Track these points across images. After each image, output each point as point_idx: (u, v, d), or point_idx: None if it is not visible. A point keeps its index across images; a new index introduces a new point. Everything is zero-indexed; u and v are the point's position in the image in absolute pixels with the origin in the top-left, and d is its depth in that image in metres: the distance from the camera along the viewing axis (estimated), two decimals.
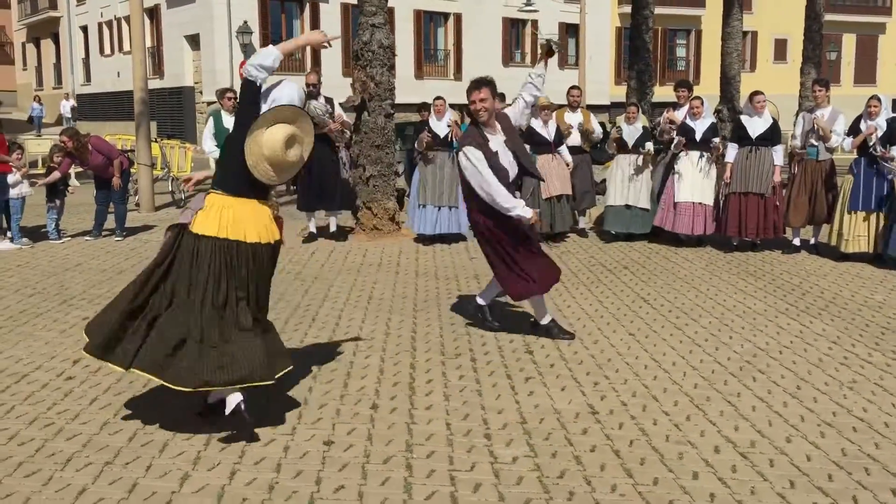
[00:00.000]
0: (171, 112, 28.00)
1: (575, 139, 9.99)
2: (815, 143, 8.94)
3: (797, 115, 13.83)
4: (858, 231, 8.41)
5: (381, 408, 4.44)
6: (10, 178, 9.34)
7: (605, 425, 4.22)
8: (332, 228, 9.95)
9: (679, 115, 9.64)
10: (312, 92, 9.39)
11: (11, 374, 4.96)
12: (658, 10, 19.00)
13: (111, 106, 31.45)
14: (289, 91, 4.16)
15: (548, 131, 9.62)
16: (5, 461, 3.74)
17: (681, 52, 37.59)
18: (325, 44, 4.33)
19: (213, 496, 3.41)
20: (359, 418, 4.30)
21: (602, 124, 10.93)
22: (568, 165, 9.74)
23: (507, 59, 32.29)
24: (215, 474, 3.62)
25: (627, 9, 23.95)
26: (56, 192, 9.79)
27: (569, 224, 10.01)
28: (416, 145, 9.56)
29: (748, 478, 3.63)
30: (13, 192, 9.39)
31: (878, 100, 8.49)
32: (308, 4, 27.47)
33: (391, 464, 3.74)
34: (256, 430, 4.05)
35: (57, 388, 4.72)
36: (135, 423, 4.19)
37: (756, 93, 9.15)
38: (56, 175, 9.65)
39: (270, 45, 4.26)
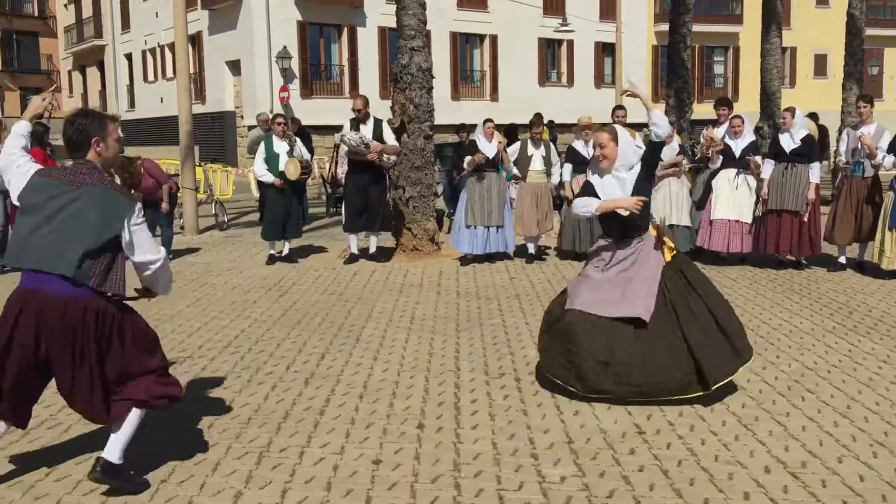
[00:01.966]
0: (213, 136, 28.50)
1: None
2: (861, 160, 8.84)
3: (840, 131, 13.69)
4: None
5: (428, 427, 4.48)
6: None
7: (652, 445, 4.21)
8: (372, 249, 10.05)
9: (719, 132, 9.60)
10: (359, 116, 9.52)
11: None
12: (695, 28, 18.95)
13: (155, 131, 32.10)
14: None
15: (589, 151, 9.64)
16: (64, 479, 3.83)
17: (718, 69, 37.36)
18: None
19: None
20: (406, 437, 4.33)
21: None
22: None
23: (543, 80, 32.38)
24: (267, 493, 3.68)
25: (663, 27, 23.92)
26: None
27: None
28: (465, 165, 9.61)
29: (800, 498, 3.59)
30: None
31: None
32: (346, 29, 27.86)
33: (439, 483, 3.77)
34: (305, 450, 4.11)
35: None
36: (187, 442, 4.27)
37: (787, 109, 9.12)
38: None
39: None
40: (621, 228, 4.89)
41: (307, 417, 4.64)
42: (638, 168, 4.96)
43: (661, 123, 5.03)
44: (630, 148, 5.01)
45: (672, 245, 4.94)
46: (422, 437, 4.33)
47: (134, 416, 3.64)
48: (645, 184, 4.93)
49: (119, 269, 3.58)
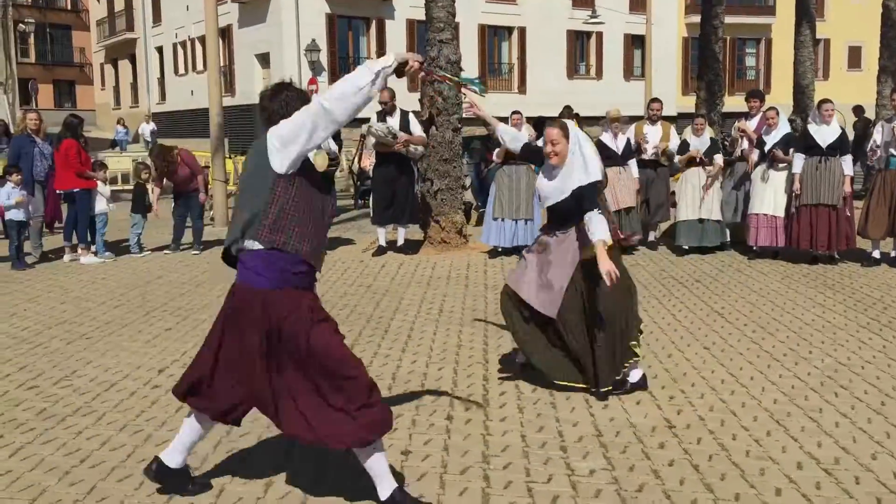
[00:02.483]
0: (243, 129, 28.69)
1: (650, 153, 9.94)
2: (895, 154, 8.70)
3: (874, 124, 13.47)
4: None
5: (456, 419, 4.49)
6: (102, 189, 9.76)
7: (682, 440, 4.18)
8: (400, 242, 10.07)
9: (751, 125, 9.50)
10: (386, 108, 9.55)
11: (101, 383, 5.17)
12: (727, 20, 18.73)
13: (185, 123, 32.39)
14: None
15: (617, 144, 9.58)
16: (99, 466, 3.90)
17: (750, 61, 36.92)
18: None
19: (298, 502, 3.50)
20: (434, 429, 4.35)
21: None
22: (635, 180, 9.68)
23: (572, 72, 32.19)
24: (298, 481, 3.71)
25: (694, 19, 23.68)
26: (141, 207, 10.17)
27: (638, 237, 9.95)
28: (494, 157, 9.61)
29: (833, 495, 3.56)
30: (98, 208, 9.78)
31: None
32: (374, 21, 27.89)
33: (468, 474, 3.78)
34: None
35: (144, 397, 4.90)
36: (218, 432, 4.31)
37: (824, 101, 8.97)
38: (157, 192, 10.13)
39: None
40: (560, 219, 4.86)
41: None
42: (585, 182, 4.68)
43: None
44: (585, 157, 4.72)
45: (611, 242, 4.62)
46: (450, 429, 4.34)
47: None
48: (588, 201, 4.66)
49: None
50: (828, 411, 4.57)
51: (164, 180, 10.10)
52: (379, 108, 9.69)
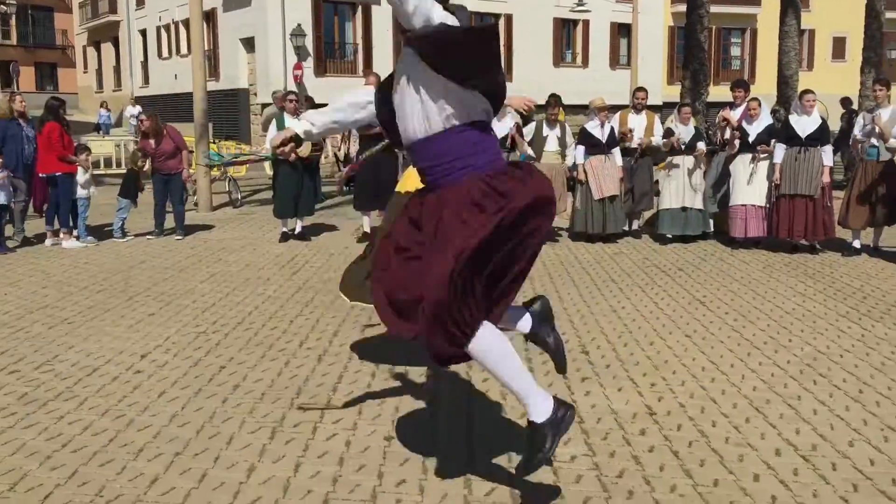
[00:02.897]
0: (227, 113, 28.50)
1: (635, 142, 9.97)
2: (876, 144, 8.77)
3: (857, 114, 13.56)
4: None
5: (441, 404, 4.51)
6: (80, 178, 9.66)
7: (663, 426, 4.22)
8: None
9: (735, 115, 9.55)
10: None
11: (83, 368, 5.15)
12: (712, 9, 18.76)
13: (169, 108, 32.09)
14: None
15: (602, 133, 9.61)
16: (81, 450, 3.89)
17: (735, 51, 37.03)
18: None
19: (280, 488, 3.51)
20: (417, 414, 4.37)
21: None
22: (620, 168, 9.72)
23: (558, 60, 32.18)
24: (280, 467, 3.72)
25: (680, 8, 23.72)
26: (129, 192, 10.09)
27: (622, 225, 9.99)
28: None
29: (810, 481, 3.61)
30: (80, 192, 9.70)
31: None
32: (360, 7, 27.73)
33: (451, 460, 3.80)
34: (318, 425, 4.17)
35: (126, 382, 4.89)
36: (201, 416, 4.32)
37: (806, 91, 9.04)
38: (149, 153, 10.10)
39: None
40: None
41: (320, 393, 4.69)
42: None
43: None
44: None
45: None
46: (435, 414, 4.36)
47: None
48: None
49: None
50: (806, 399, 4.63)
51: (148, 161, 10.05)
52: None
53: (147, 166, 10.16)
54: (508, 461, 3.78)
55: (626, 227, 10.31)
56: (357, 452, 3.88)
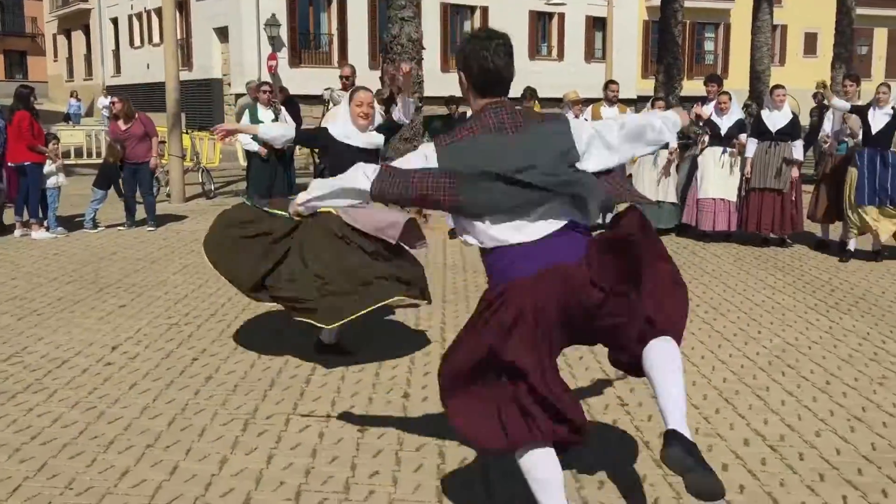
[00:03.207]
0: (200, 104, 28.24)
1: None
2: (845, 139, 8.88)
3: (827, 109, 13.71)
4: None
5: (413, 397, 4.52)
6: (46, 168, 9.52)
7: (634, 417, 4.27)
8: None
9: (708, 109, 9.62)
10: (346, 84, 9.50)
11: (53, 360, 5.09)
12: (686, 4, 18.89)
13: (141, 97, 31.68)
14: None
15: None
16: (50, 443, 3.85)
17: (709, 45, 37.25)
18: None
19: (252, 479, 3.51)
20: (391, 407, 4.37)
21: None
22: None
23: (534, 53, 32.19)
24: (253, 458, 3.71)
25: (655, 2, 23.82)
26: (104, 183, 9.97)
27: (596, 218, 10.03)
28: None
29: (778, 470, 3.66)
30: (49, 183, 9.57)
31: (888, 87, 8.50)
32: None
33: (424, 451, 3.81)
34: (291, 417, 4.16)
35: (97, 374, 4.84)
36: (173, 408, 4.30)
37: (776, 87, 9.14)
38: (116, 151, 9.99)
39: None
40: None
41: (293, 386, 4.68)
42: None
43: None
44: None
45: None
46: (407, 407, 4.37)
47: None
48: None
49: None
50: (775, 390, 4.69)
51: (118, 147, 9.93)
52: (339, 83, 9.64)
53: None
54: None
55: (601, 221, 10.34)
56: (330, 444, 3.88)
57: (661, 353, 2.80)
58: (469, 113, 3.04)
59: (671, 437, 2.72)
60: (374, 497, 3.37)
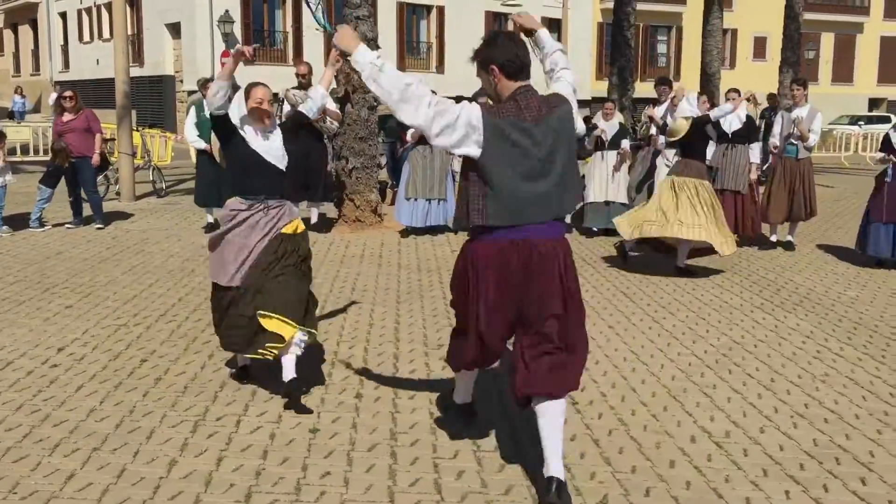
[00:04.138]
0: (151, 101, 27.82)
1: None
2: (795, 143, 9.08)
3: (774, 111, 14.03)
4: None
5: (366, 397, 4.51)
6: None
7: (584, 415, 4.32)
8: (314, 220, 9.98)
9: (659, 112, 9.77)
10: (302, 83, 9.44)
11: None
12: (639, 7, 19.14)
13: (90, 94, 31.07)
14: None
15: None
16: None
17: (661, 48, 37.81)
18: (245, 53, 4.37)
19: (201, 482, 3.47)
20: (343, 407, 4.36)
21: (586, 119, 11.01)
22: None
23: None
24: (202, 460, 3.67)
25: (609, 4, 24.08)
26: (52, 182, 9.74)
27: None
28: (409, 137, 9.63)
29: (723, 466, 3.74)
30: None
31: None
32: None
33: (376, 451, 3.81)
34: (242, 419, 4.13)
35: (42, 376, 4.75)
36: (121, 411, 4.23)
37: (731, 90, 9.30)
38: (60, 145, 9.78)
39: (214, 81, 4.45)
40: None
41: (244, 387, 4.63)
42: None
43: None
44: None
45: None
46: (359, 407, 4.37)
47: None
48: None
49: None
50: (721, 387, 4.79)
51: (58, 138, 9.75)
52: (296, 81, 9.58)
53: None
54: (433, 452, 3.82)
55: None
56: (281, 445, 3.86)
57: (554, 408, 3.35)
58: None
59: (555, 483, 3.26)
60: (326, 498, 3.36)
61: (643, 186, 9.95)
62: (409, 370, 4.98)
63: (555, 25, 32.00)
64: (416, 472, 3.62)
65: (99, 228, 9.82)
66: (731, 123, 9.09)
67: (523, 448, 3.87)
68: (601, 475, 3.62)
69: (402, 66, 29.50)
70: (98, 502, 3.28)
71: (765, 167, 11.29)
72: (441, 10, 30.74)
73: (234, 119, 4.49)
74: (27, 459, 3.64)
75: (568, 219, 10.52)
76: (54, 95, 29.76)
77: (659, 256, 8.74)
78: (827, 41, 40.69)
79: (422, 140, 9.47)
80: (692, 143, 7.75)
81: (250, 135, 4.47)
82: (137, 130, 14.81)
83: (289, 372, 4.32)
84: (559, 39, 29.55)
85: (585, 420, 4.25)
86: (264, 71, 25.92)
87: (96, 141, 9.87)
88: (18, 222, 9.94)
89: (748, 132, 9.11)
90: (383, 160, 12.90)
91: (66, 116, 9.77)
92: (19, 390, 4.51)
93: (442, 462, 3.72)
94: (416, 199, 9.68)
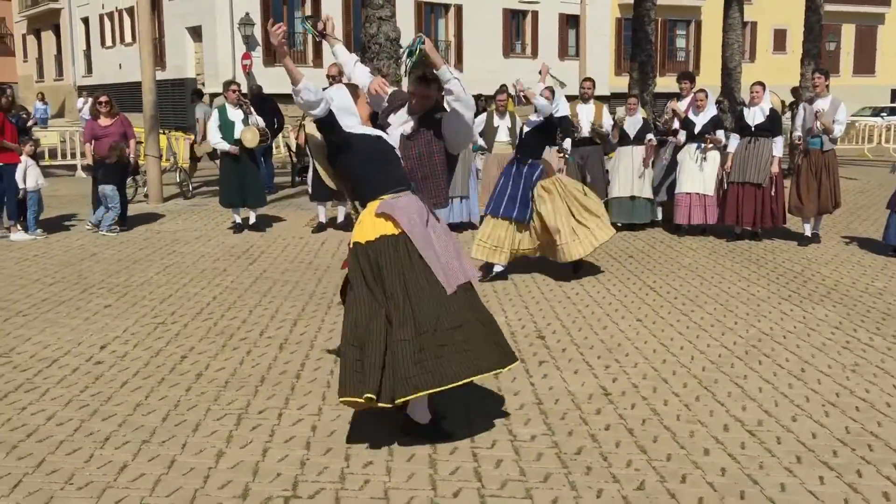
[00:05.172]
0: (174, 104, 28.07)
1: (585, 131, 10.14)
2: (819, 134, 9.07)
3: (797, 105, 13.98)
4: None
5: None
6: (19, 172, 9.43)
7: (617, 406, 4.39)
8: (341, 219, 10.10)
9: (682, 105, 9.80)
10: (332, 83, 9.54)
11: (42, 359, 5.13)
12: (659, 1, 19.08)
13: (114, 98, 31.46)
14: (332, 93, 4.13)
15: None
16: (46, 440, 3.90)
17: (681, 42, 37.65)
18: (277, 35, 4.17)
19: (249, 471, 3.59)
20: None
21: (612, 114, 11.03)
22: (561, 154, 9.85)
23: (508, 51, 32.35)
24: (248, 451, 3.79)
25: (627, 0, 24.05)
26: (114, 179, 9.96)
27: None
28: None
29: (757, 454, 3.80)
30: (29, 185, 9.52)
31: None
32: None
33: (415, 441, 3.91)
34: (283, 412, 4.24)
35: (87, 373, 4.89)
36: (166, 405, 4.36)
37: (755, 83, 9.32)
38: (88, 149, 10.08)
39: (301, 82, 3.98)
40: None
41: (283, 381, 4.75)
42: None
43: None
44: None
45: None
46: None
47: None
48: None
49: None
50: (752, 378, 4.85)
51: (91, 145, 9.96)
52: (327, 82, 9.69)
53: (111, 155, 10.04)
54: (471, 442, 3.91)
55: None
56: (323, 437, 3.97)
57: None
58: None
59: None
60: (370, 486, 3.47)
61: (665, 181, 9.98)
62: None
63: (573, 21, 32.02)
64: (456, 460, 3.71)
65: (124, 229, 9.99)
66: (755, 117, 9.10)
67: (560, 438, 3.96)
68: (637, 463, 3.70)
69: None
70: (151, 492, 3.40)
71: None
72: (459, 8, 30.78)
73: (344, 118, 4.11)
74: (80, 452, 3.77)
75: None
76: (81, 101, 30.14)
77: (683, 248, 8.79)
78: (848, 32, 40.32)
79: None
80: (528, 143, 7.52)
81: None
82: (164, 133, 15.00)
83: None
84: (577, 35, 29.60)
85: (619, 411, 4.32)
86: (284, 72, 26.12)
87: (131, 145, 10.10)
88: (51, 226, 10.13)
89: (772, 125, 9.11)
90: None
91: (103, 121, 9.99)
92: (66, 386, 4.65)
93: (480, 451, 3.81)
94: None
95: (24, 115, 12.98)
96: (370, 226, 3.84)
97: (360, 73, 4.61)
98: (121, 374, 4.85)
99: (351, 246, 3.92)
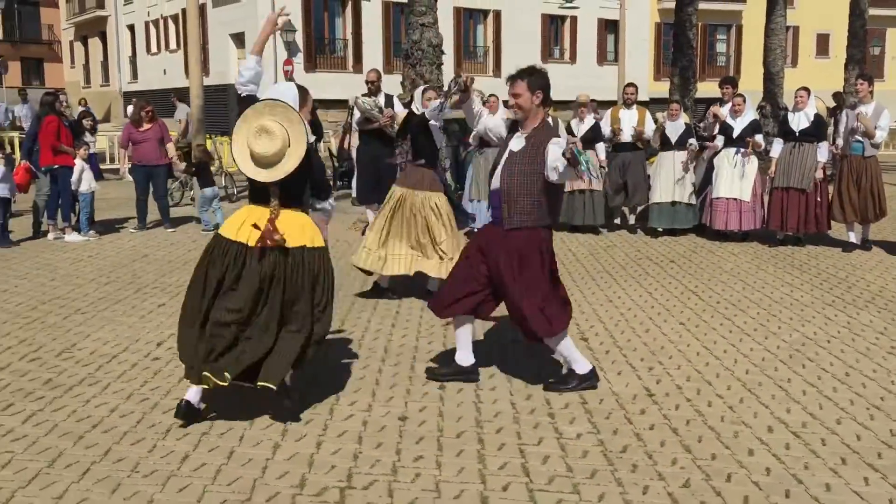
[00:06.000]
0: (216, 109, 28.55)
1: (627, 136, 10.18)
2: (861, 140, 9.02)
3: (840, 110, 13.86)
4: None
5: (449, 388, 4.73)
6: (75, 175, 9.74)
7: (662, 406, 4.46)
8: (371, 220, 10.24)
9: (724, 110, 9.80)
10: (371, 89, 9.71)
11: (102, 355, 5.33)
12: (699, 6, 19.03)
13: (157, 103, 32.03)
14: (282, 89, 4.49)
15: (582, 128, 9.93)
16: (111, 430, 4.08)
17: (721, 47, 37.35)
18: (281, 16, 4.60)
19: (304, 463, 3.72)
20: (429, 397, 4.58)
21: (654, 119, 11.06)
22: (600, 163, 9.93)
23: (546, 56, 32.37)
24: (303, 444, 3.93)
25: (666, 4, 24.00)
26: (207, 178, 10.48)
27: (600, 220, 10.18)
28: (471, 140, 9.89)
29: (801, 455, 3.85)
30: (83, 187, 9.83)
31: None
32: (350, 2, 27.84)
33: (464, 438, 4.02)
34: (335, 407, 4.38)
35: (146, 368, 5.08)
36: (223, 399, 4.51)
37: (800, 89, 9.29)
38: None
39: (248, 56, 4.40)
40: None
41: (334, 378, 4.89)
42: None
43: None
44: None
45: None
46: (444, 397, 4.58)
47: None
48: None
49: None
50: (796, 381, 4.88)
51: (129, 149, 10.42)
52: (365, 88, 9.87)
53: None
54: (518, 438, 4.01)
55: (619, 221, 10.58)
56: (374, 431, 4.09)
57: None
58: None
59: None
60: (421, 479, 3.58)
61: (705, 187, 9.98)
62: (487, 363, 5.17)
63: (612, 26, 31.97)
64: (504, 456, 3.81)
65: (172, 231, 10.28)
66: (800, 122, 9.08)
67: (605, 437, 4.04)
68: (682, 461, 3.77)
69: (459, 71, 29.76)
70: (213, 481, 3.55)
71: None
72: (497, 14, 30.91)
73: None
74: (143, 442, 3.95)
75: (632, 219, 10.67)
76: (131, 108, 30.66)
77: (725, 254, 8.79)
78: (893, 37, 39.67)
79: (483, 143, 9.69)
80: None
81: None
82: (210, 138, 15.32)
83: None
84: (616, 40, 29.54)
85: (663, 411, 4.39)
86: (327, 77, 26.51)
87: (169, 149, 10.56)
88: (102, 228, 10.43)
89: (817, 131, 9.08)
90: (447, 163, 13.14)
91: (144, 127, 10.38)
92: (127, 381, 4.84)
93: (527, 448, 3.91)
94: (479, 201, 9.88)
95: (91, 122, 13.49)
96: None
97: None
98: (177, 370, 5.01)
99: None
